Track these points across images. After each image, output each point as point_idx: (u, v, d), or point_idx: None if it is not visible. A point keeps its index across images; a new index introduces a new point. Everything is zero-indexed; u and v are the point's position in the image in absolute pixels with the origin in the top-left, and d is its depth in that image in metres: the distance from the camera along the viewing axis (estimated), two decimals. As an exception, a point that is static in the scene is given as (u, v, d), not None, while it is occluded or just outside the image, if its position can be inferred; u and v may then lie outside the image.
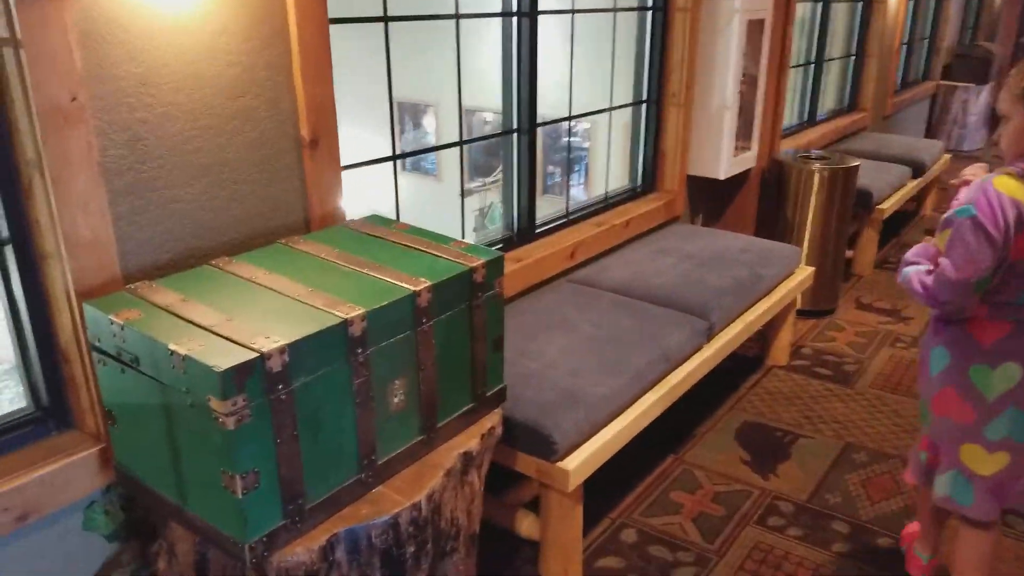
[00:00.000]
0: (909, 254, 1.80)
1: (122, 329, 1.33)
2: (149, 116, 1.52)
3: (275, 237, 1.77)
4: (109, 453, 1.47)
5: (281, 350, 1.29)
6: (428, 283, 1.53)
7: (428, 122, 6.93)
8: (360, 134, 2.17)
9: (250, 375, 1.25)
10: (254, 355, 1.26)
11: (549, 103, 3.01)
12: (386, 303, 1.45)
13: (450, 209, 2.82)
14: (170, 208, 1.58)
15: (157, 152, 1.54)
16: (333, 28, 1.84)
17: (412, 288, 1.51)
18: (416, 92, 6.29)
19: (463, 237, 2.55)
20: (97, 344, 1.38)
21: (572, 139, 6.11)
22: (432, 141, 6.74)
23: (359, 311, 1.41)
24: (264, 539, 1.32)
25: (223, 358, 1.23)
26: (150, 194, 1.54)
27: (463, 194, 2.57)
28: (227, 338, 1.30)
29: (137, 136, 1.51)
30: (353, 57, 2.16)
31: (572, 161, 6.10)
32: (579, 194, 6.04)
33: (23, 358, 1.46)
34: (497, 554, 2.18)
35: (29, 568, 1.44)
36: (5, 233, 1.40)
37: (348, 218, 1.93)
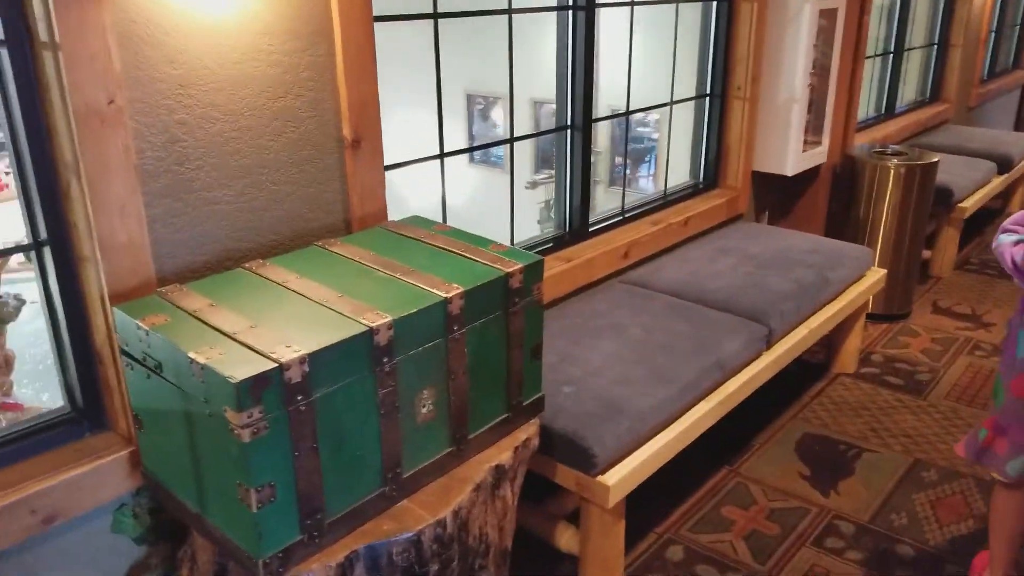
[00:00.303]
0: (1008, 221, 1.67)
1: (147, 335, 1.28)
2: (188, 118, 1.48)
3: (315, 238, 1.72)
4: (139, 456, 1.44)
5: (301, 360, 1.22)
6: (460, 289, 1.44)
7: (496, 114, 6.86)
8: (433, 122, 2.10)
9: (267, 386, 1.18)
10: (272, 365, 1.19)
11: (617, 95, 2.87)
12: (415, 310, 1.37)
13: (516, 202, 2.75)
14: (207, 210, 1.53)
15: (195, 154, 1.50)
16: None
17: (443, 294, 1.42)
18: (485, 84, 6.21)
19: (513, 234, 2.45)
20: (125, 348, 1.35)
21: (643, 130, 5.91)
22: (501, 133, 6.66)
23: (386, 319, 1.33)
24: (280, 555, 1.25)
25: (240, 368, 1.17)
26: (187, 196, 1.50)
27: (512, 193, 2.47)
28: (248, 346, 1.24)
29: (175, 138, 1.46)
30: (427, 46, 2.09)
31: (641, 153, 5.90)
32: (648, 186, 5.83)
33: (60, 359, 1.45)
34: (535, 565, 2.08)
35: (57, 570, 1.42)
36: (44, 235, 1.38)
37: (398, 215, 1.85)
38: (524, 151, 6.31)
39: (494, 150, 6.79)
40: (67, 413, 1.47)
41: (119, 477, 1.43)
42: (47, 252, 1.38)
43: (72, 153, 1.33)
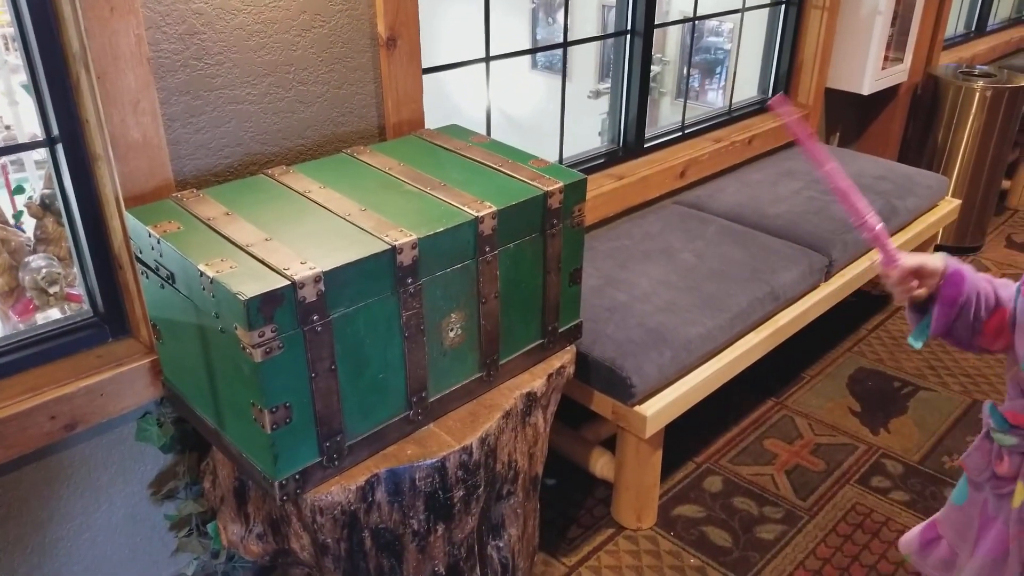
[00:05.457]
0: None
1: (159, 243, 1.16)
2: (206, 7, 1.29)
3: (345, 145, 1.54)
4: (160, 366, 1.35)
5: (316, 278, 1.07)
6: (493, 208, 1.26)
7: (563, 17, 6.36)
8: (508, 22, 1.85)
9: (279, 305, 1.05)
10: (285, 283, 1.05)
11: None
12: (442, 229, 1.20)
13: (576, 111, 2.48)
14: (230, 109, 1.37)
15: (215, 48, 1.32)
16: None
17: (474, 213, 1.24)
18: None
19: (562, 148, 2.22)
20: (139, 256, 1.23)
21: (715, 40, 5.41)
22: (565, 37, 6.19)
23: (410, 237, 1.17)
24: (297, 476, 1.15)
25: (251, 284, 1.04)
26: (208, 94, 1.33)
27: (564, 103, 2.22)
28: (261, 260, 1.10)
29: (193, 29, 1.29)
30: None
31: (712, 64, 5.42)
32: (717, 99, 5.37)
33: (79, 261, 1.34)
34: (571, 489, 1.98)
35: (81, 476, 1.37)
36: (56, 132, 1.24)
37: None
38: (587, 58, 5.84)
39: (559, 55, 6.33)
40: (89, 318, 1.37)
41: (141, 386, 1.34)
42: (60, 150, 1.25)
43: (80, 42, 1.17)
